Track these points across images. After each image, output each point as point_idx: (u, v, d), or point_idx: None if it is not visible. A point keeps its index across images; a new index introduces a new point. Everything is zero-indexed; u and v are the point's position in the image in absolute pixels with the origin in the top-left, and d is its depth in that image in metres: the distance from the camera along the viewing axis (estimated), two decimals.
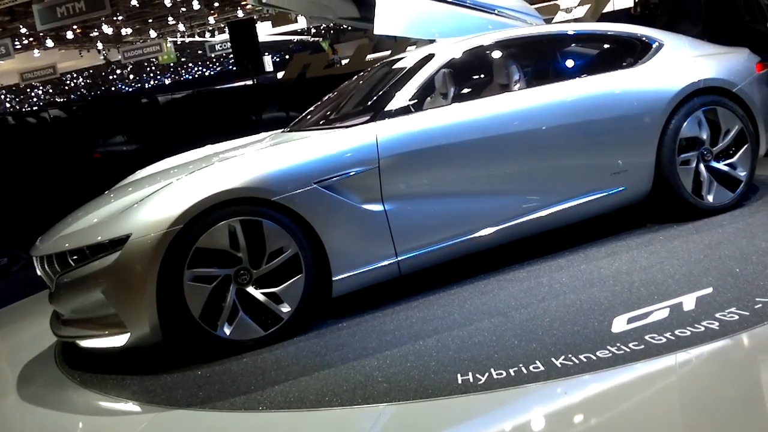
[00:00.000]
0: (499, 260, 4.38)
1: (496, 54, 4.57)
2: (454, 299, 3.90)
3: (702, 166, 4.62)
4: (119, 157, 8.38)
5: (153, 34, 31.41)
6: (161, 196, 3.65)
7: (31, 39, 30.08)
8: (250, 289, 3.68)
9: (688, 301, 3.32)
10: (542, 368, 2.90)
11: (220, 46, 31.40)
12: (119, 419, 3.33)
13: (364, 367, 3.23)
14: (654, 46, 4.80)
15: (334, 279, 3.83)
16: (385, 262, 3.93)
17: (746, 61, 4.93)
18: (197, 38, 34.66)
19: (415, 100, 4.10)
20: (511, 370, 2.92)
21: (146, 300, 3.51)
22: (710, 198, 4.63)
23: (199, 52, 40.65)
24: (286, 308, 3.73)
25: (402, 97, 4.10)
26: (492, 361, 3.04)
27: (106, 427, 3.31)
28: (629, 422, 2.53)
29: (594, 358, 2.92)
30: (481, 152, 4.10)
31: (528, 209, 4.23)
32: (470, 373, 2.95)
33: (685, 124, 4.53)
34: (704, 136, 4.61)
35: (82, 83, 48.55)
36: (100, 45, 32.60)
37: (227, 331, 3.63)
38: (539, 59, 4.78)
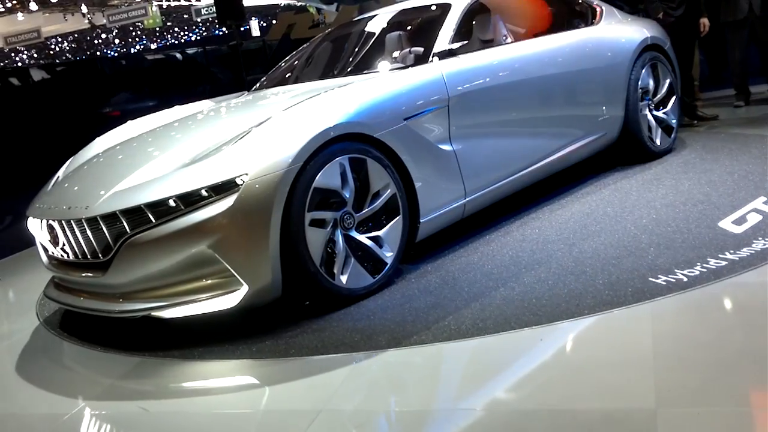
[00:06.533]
0: (506, 206, 4.32)
1: (495, 7, 4.55)
2: (526, 232, 3.81)
3: (649, 114, 5.04)
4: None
5: None
6: (262, 133, 3.10)
7: (14, 2, 26.88)
8: (355, 234, 3.28)
9: (761, 206, 3.60)
10: (724, 263, 2.95)
11: (206, 10, 29.15)
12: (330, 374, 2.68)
13: (525, 293, 2.99)
14: (599, 9, 5.13)
15: (421, 221, 3.55)
16: (457, 203, 3.71)
17: (659, 26, 5.48)
18: (183, 2, 31.98)
19: (458, 44, 3.94)
20: (696, 269, 2.93)
21: (270, 249, 2.95)
22: (658, 142, 5.06)
23: (185, 16, 38.58)
24: (389, 252, 3.37)
25: (443, 41, 3.93)
26: (668, 264, 3.00)
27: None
28: None
29: (758, 249, 3.04)
30: (530, 91, 4.09)
31: (556, 148, 4.29)
32: (660, 276, 2.92)
33: (641, 75, 4.92)
34: (651, 87, 5.04)
35: (67, 47, 45.78)
36: (84, 8, 29.57)
37: (343, 279, 3.19)
38: (524, 15, 4.86)
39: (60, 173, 3.89)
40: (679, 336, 2.49)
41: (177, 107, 4.55)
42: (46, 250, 3.54)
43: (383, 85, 3.51)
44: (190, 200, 2.93)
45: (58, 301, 3.46)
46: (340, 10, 13.13)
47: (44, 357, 3.40)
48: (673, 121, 5.17)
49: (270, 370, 2.80)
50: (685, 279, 2.85)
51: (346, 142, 3.20)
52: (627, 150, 4.95)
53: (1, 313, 4.32)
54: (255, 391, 2.72)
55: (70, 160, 4.05)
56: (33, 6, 27.31)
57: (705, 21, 5.91)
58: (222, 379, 2.87)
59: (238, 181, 2.91)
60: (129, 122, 4.40)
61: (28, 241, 4.96)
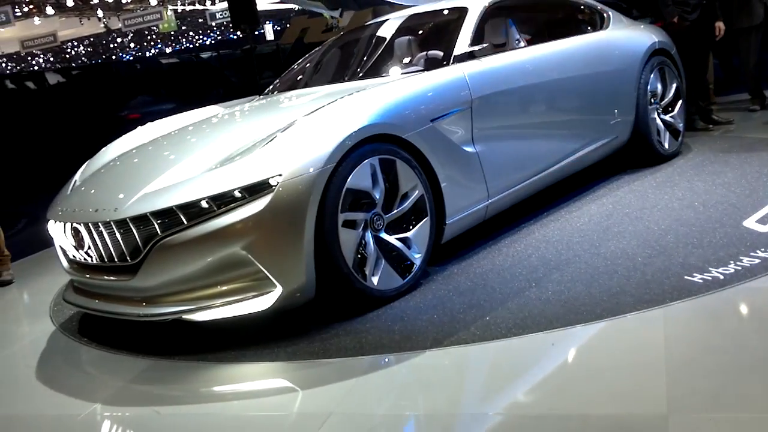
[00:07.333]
0: (524, 209, 4.30)
1: (507, 12, 4.56)
2: (547, 234, 3.80)
3: (658, 118, 5.07)
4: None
5: (153, 1, 28.70)
6: (294, 134, 3.07)
7: (31, 6, 27.10)
8: (384, 235, 3.25)
9: None
10: (758, 260, 2.95)
11: (221, 14, 29.37)
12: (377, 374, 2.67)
13: (561, 292, 2.98)
14: (606, 14, 5.16)
15: (447, 222, 3.53)
16: (481, 205, 3.70)
17: (664, 31, 5.52)
18: (198, 6, 32.17)
19: (477, 46, 3.94)
20: (731, 267, 2.93)
21: (305, 250, 2.91)
22: (666, 145, 5.08)
23: (200, 20, 39.27)
24: (417, 254, 3.34)
25: (463, 44, 3.92)
26: (701, 262, 3.01)
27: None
28: None
29: None
30: (548, 94, 4.11)
31: (573, 150, 4.30)
32: (695, 274, 2.92)
33: (650, 79, 4.95)
34: (659, 91, 5.07)
35: (83, 51, 47.13)
36: (100, 13, 29.85)
37: (375, 281, 3.16)
38: (535, 19, 4.88)
39: (77, 177, 3.83)
40: (692, 340, 2.49)
41: (186, 113, 4.51)
42: (65, 253, 3.47)
43: (410, 86, 3.49)
44: (223, 201, 2.89)
45: (79, 305, 3.40)
46: (343, 15, 13.13)
47: (60, 359, 3.37)
48: (680, 124, 5.20)
49: (302, 373, 2.77)
50: (722, 277, 2.85)
51: (376, 143, 3.18)
52: (637, 153, 4.97)
53: (16, 316, 4.26)
54: (278, 394, 2.70)
55: (85, 164, 3.99)
56: (49, 10, 27.52)
57: (720, 25, 5.87)
58: (251, 383, 2.84)
59: (272, 182, 2.87)
60: (139, 128, 4.35)
61: (42, 244, 4.94)
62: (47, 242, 3.72)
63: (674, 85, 5.17)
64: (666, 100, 5.12)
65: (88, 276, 3.31)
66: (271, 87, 4.81)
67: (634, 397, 2.15)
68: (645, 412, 2.05)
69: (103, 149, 4.12)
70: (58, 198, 3.64)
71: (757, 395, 2.05)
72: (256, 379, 2.85)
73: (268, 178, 2.88)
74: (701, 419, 1.98)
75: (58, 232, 3.39)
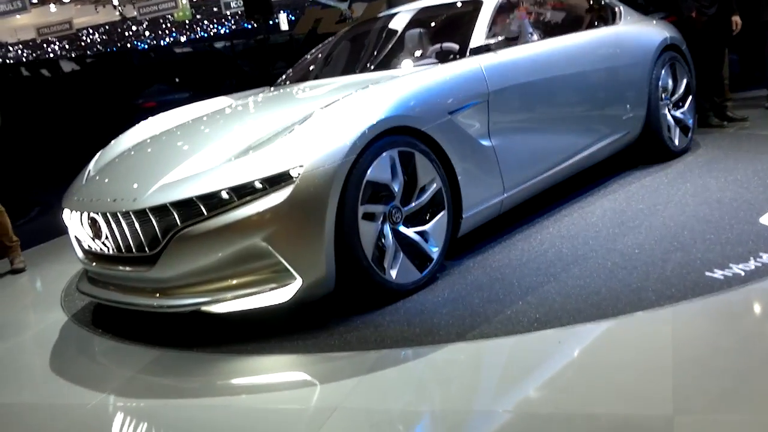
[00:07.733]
0: (537, 204, 4.28)
1: (520, 5, 4.54)
2: (561, 229, 3.80)
3: (668, 114, 5.06)
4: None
5: None
6: (313, 125, 3.05)
7: None
8: (402, 228, 3.24)
9: None
10: None
11: (235, 3, 29.10)
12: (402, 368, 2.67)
13: (581, 287, 2.97)
14: (617, 9, 5.15)
15: (464, 216, 3.52)
16: (496, 199, 3.69)
17: (674, 27, 5.51)
18: None
19: (493, 39, 3.92)
20: (751, 264, 2.92)
21: (325, 242, 2.90)
22: (676, 141, 5.08)
23: (214, 9, 39.94)
24: (435, 248, 3.34)
25: (479, 37, 3.91)
26: (720, 258, 3.00)
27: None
28: None
29: None
30: (562, 88, 4.09)
31: (586, 145, 4.29)
32: (716, 270, 2.92)
33: (661, 75, 4.94)
34: (670, 86, 5.06)
35: (98, 39, 48.10)
36: (115, 1, 29.66)
37: (393, 274, 3.15)
38: (546, 12, 4.86)
39: (91, 167, 3.81)
40: (701, 340, 2.48)
41: (196, 103, 4.48)
42: (80, 243, 3.46)
43: (428, 78, 3.48)
44: (244, 192, 2.87)
45: (94, 296, 3.39)
46: (352, 6, 13.08)
47: (71, 349, 3.37)
48: (690, 120, 5.20)
49: (320, 366, 2.76)
50: (743, 273, 2.85)
51: (395, 136, 3.17)
52: (647, 149, 4.96)
53: (28, 305, 4.25)
54: (295, 387, 2.71)
55: (99, 153, 3.97)
56: None
57: (737, 19, 5.77)
58: (267, 375, 2.85)
59: (293, 173, 2.86)
60: (150, 118, 4.33)
61: (54, 232, 4.93)
62: (59, 230, 3.69)
63: (685, 81, 5.16)
64: (676, 95, 5.11)
65: (103, 266, 3.29)
66: (283, 77, 4.78)
67: (641, 397, 2.14)
68: (651, 412, 2.05)
69: (116, 139, 4.09)
70: (73, 187, 3.62)
71: (764, 397, 2.04)
72: (273, 372, 2.85)
73: (289, 170, 2.86)
74: (706, 420, 1.98)
75: (74, 221, 3.37)
